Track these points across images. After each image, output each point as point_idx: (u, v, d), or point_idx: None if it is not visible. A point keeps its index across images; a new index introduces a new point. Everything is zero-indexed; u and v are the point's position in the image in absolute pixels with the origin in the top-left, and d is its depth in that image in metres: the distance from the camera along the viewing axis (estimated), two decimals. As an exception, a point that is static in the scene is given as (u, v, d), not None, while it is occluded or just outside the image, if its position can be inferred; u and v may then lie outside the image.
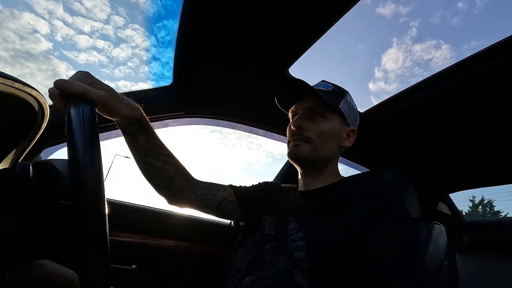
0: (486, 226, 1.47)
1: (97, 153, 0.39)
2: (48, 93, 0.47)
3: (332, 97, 0.72)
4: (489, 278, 1.34)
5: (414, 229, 0.58)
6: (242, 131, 1.31)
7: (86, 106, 0.42)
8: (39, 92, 0.55)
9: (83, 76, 0.49)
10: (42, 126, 0.62)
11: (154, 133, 0.67)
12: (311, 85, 0.72)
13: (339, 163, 0.80)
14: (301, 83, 0.70)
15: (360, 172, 1.59)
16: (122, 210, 1.04)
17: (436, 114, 1.09)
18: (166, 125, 1.16)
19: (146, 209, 1.11)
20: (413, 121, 1.17)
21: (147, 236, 1.05)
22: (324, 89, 0.73)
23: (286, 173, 1.43)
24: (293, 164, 0.76)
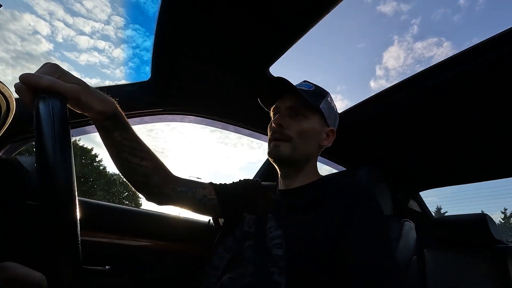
0: (453, 223, 1.56)
1: (68, 150, 0.37)
2: (14, 89, 0.44)
3: (313, 97, 0.73)
4: (455, 271, 1.42)
5: (387, 228, 0.61)
6: (223, 129, 1.30)
7: (56, 101, 0.40)
8: (3, 84, 0.51)
9: (52, 69, 0.47)
10: (7, 121, 0.58)
11: (131, 128, 0.65)
12: (294, 84, 0.73)
13: (318, 162, 0.82)
14: (284, 82, 0.70)
15: (337, 171, 1.63)
16: (95, 209, 1.00)
17: (408, 116, 1.15)
18: (145, 122, 1.13)
19: (120, 209, 1.08)
20: (387, 122, 1.22)
21: (122, 236, 1.02)
22: (306, 89, 0.75)
23: (266, 171, 1.44)
24: (273, 163, 0.77)
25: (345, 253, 0.56)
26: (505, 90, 0.90)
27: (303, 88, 0.75)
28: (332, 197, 0.65)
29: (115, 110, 0.60)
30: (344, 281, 0.54)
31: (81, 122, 0.88)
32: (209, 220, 1.30)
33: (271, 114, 0.79)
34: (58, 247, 0.36)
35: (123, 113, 0.63)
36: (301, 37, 0.82)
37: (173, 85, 1.05)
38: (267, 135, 0.77)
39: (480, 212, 1.49)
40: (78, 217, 0.38)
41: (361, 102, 1.15)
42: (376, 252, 0.55)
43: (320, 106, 0.73)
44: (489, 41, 0.79)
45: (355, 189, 0.66)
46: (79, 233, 0.38)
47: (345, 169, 1.64)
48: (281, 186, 0.79)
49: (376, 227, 0.59)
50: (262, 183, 0.88)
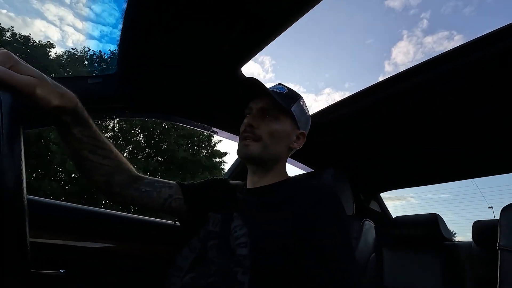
0: (408, 223, 1.68)
1: (18, 154, 0.34)
2: None
3: (285, 99, 0.75)
4: (409, 267, 1.53)
5: (348, 228, 0.64)
6: (194, 128, 1.28)
7: (6, 96, 0.36)
8: None
9: (3, 57, 0.42)
10: None
11: (92, 125, 0.61)
12: (267, 87, 0.74)
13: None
14: (257, 84, 0.71)
15: (304, 172, 1.68)
16: (49, 209, 0.93)
17: (371, 122, 1.22)
18: (110, 118, 1.08)
19: (77, 208, 1.01)
20: (352, 126, 1.28)
21: (78, 238, 0.96)
22: (279, 91, 0.77)
23: (236, 170, 1.44)
24: (243, 161, 0.78)
25: (306, 252, 0.58)
26: (461, 96, 0.99)
27: (276, 90, 0.77)
28: (297, 197, 0.67)
29: (76, 105, 0.56)
30: (302, 280, 0.56)
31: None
32: (175, 221, 1.27)
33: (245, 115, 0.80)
34: (2, 248, 0.33)
35: (84, 108, 0.59)
36: (277, 36, 0.83)
37: (141, 81, 1.01)
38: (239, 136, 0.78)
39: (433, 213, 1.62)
40: (27, 217, 0.36)
41: (329, 106, 1.20)
42: (337, 253, 0.58)
43: (292, 109, 0.75)
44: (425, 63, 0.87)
45: (319, 190, 0.68)
46: (27, 233, 0.35)
47: (312, 170, 1.70)
48: (249, 184, 0.79)
49: (338, 227, 0.62)
50: (231, 181, 0.88)
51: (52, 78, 0.87)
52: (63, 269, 0.91)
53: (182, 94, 1.10)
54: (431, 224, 1.55)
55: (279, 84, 0.82)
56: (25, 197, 0.35)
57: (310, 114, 1.25)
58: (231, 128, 1.29)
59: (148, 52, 0.90)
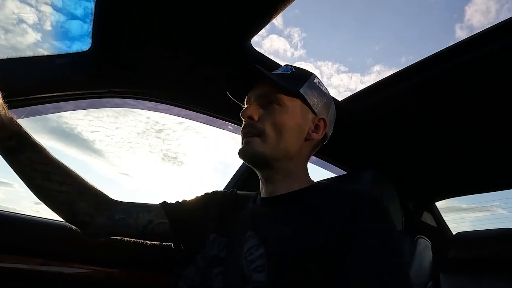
0: (475, 240, 1.62)
1: None
2: None
3: (290, 80, 0.74)
4: None
5: (400, 248, 0.61)
6: (188, 119, 1.28)
7: None
8: None
9: None
10: None
11: (43, 149, 0.68)
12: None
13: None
14: (252, 67, 0.71)
15: (335, 176, 1.65)
16: (9, 224, 0.95)
17: (424, 107, 1.16)
18: (83, 107, 1.08)
19: (46, 223, 1.02)
20: (398, 113, 1.23)
21: (47, 261, 0.97)
22: (283, 72, 0.77)
23: (241, 178, 1.42)
24: (248, 165, 0.78)
25: (344, 274, 0.55)
26: None
27: (280, 72, 0.78)
28: (328, 205, 0.65)
29: (20, 129, 0.64)
30: None
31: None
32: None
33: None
34: None
35: (29, 133, 0.66)
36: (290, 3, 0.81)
37: (122, 59, 1.00)
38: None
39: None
40: None
41: (367, 88, 1.16)
42: (385, 276, 0.55)
43: (301, 91, 0.74)
44: None
45: (357, 195, 0.66)
46: None
47: (345, 173, 1.67)
48: (263, 193, 0.78)
49: (385, 242, 0.59)
50: (239, 192, 0.88)
51: (12, 57, 0.88)
52: None
53: (175, 75, 1.09)
54: (506, 243, 1.49)
55: (286, 65, 0.82)
56: None
57: (345, 98, 1.22)
58: (231, 115, 1.27)
59: (129, 22, 0.89)
